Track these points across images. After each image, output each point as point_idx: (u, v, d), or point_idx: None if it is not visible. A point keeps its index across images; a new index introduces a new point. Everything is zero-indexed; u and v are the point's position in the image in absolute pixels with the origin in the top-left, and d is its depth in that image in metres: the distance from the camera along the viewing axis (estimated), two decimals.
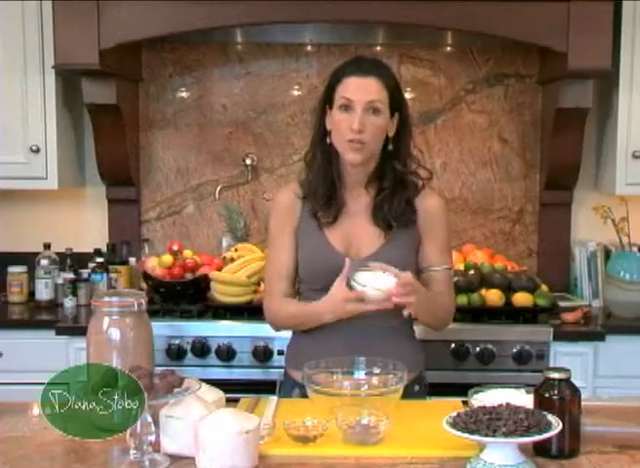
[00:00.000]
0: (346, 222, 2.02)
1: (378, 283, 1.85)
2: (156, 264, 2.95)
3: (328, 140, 1.99)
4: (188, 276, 2.95)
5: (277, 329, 2.12)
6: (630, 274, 3.03)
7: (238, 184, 3.43)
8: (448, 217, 2.10)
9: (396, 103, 1.98)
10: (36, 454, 1.56)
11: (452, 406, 1.77)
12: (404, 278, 1.83)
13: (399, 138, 2.00)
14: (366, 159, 1.97)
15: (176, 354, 2.79)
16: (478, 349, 2.77)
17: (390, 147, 1.99)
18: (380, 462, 1.52)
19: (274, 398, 1.88)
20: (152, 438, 1.51)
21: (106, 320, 1.71)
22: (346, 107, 1.93)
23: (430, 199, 2.05)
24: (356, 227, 2.02)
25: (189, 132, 3.43)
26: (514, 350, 2.77)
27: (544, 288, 2.95)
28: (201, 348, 2.80)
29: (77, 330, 2.80)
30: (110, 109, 3.08)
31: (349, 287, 1.87)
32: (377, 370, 1.85)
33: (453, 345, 2.76)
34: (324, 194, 2.00)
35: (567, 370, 1.56)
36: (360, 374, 1.85)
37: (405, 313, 1.86)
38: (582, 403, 1.56)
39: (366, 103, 1.91)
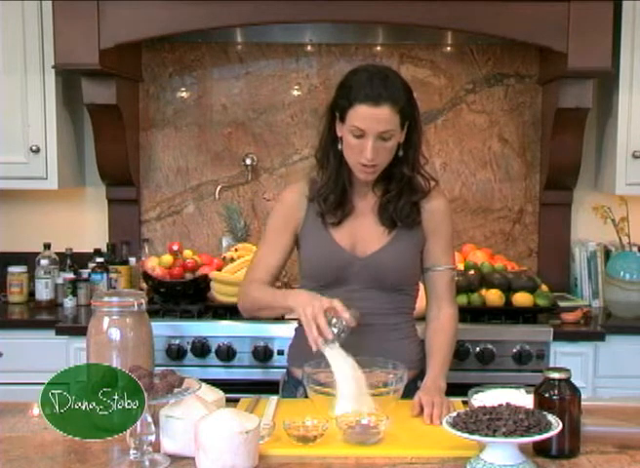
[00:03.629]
0: (352, 221, 2.03)
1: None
2: (156, 264, 2.95)
3: (339, 147, 1.98)
4: (188, 276, 2.94)
5: (247, 315, 2.15)
6: (630, 274, 3.03)
7: (238, 184, 3.43)
8: (451, 218, 2.12)
9: (407, 115, 1.95)
10: (36, 454, 1.56)
11: (452, 406, 1.77)
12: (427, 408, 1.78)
13: (409, 143, 1.99)
14: (377, 175, 1.98)
15: (176, 354, 2.79)
16: (478, 349, 2.77)
17: (400, 153, 1.98)
18: (380, 462, 1.52)
19: (274, 398, 1.89)
20: (152, 438, 1.51)
21: (106, 320, 1.71)
22: (358, 135, 1.91)
23: (436, 200, 2.06)
24: (362, 226, 2.03)
25: (189, 132, 3.43)
26: (514, 350, 2.77)
27: (544, 288, 2.95)
28: (201, 348, 2.80)
29: (77, 330, 2.80)
30: (110, 109, 3.08)
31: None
32: (377, 370, 1.85)
33: None
34: (334, 200, 2.01)
35: (567, 370, 1.56)
36: None
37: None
38: (582, 403, 1.56)
39: (378, 133, 1.89)
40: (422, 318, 2.12)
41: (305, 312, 1.80)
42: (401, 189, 2.01)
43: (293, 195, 2.08)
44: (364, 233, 2.02)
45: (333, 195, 2.01)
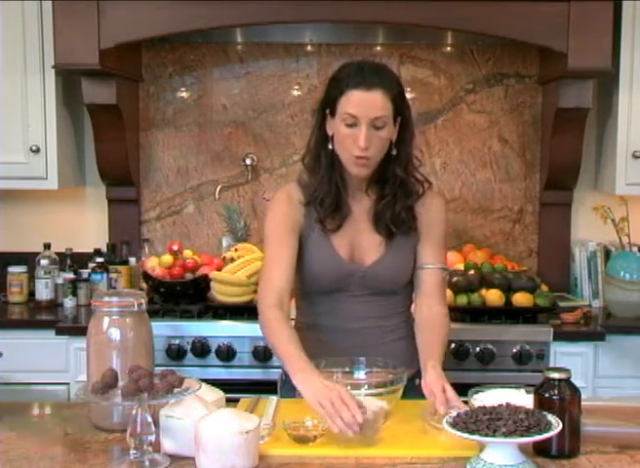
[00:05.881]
0: (350, 228, 2.00)
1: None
2: (156, 264, 2.95)
3: (330, 146, 1.95)
4: (188, 276, 2.95)
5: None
6: (630, 274, 3.03)
7: (238, 184, 3.43)
8: (446, 217, 2.09)
9: (399, 109, 1.94)
10: (36, 454, 1.56)
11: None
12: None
13: (401, 142, 1.97)
14: (371, 170, 1.95)
15: (176, 354, 2.79)
16: (478, 349, 2.77)
17: (394, 152, 1.96)
18: (379, 462, 1.52)
19: (274, 398, 1.88)
20: (152, 438, 1.51)
21: (106, 320, 1.71)
22: (351, 123, 1.88)
23: (431, 200, 2.05)
24: (359, 233, 2.01)
25: (189, 132, 3.43)
26: (514, 350, 2.78)
27: (544, 288, 2.95)
28: (201, 348, 2.80)
29: (77, 330, 2.79)
30: (110, 109, 3.08)
31: None
32: (377, 370, 1.85)
33: (453, 345, 2.76)
34: (331, 203, 1.97)
35: (567, 370, 1.56)
36: (360, 374, 1.86)
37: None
38: (582, 403, 1.56)
39: (371, 120, 1.87)
40: None
41: (324, 405, 1.60)
42: (395, 192, 1.98)
43: (285, 196, 2.03)
44: (362, 241, 2.00)
45: (328, 198, 1.97)
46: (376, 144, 1.89)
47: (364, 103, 1.87)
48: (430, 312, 2.01)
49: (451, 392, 1.71)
